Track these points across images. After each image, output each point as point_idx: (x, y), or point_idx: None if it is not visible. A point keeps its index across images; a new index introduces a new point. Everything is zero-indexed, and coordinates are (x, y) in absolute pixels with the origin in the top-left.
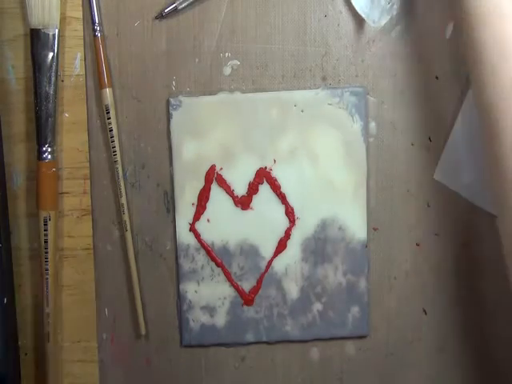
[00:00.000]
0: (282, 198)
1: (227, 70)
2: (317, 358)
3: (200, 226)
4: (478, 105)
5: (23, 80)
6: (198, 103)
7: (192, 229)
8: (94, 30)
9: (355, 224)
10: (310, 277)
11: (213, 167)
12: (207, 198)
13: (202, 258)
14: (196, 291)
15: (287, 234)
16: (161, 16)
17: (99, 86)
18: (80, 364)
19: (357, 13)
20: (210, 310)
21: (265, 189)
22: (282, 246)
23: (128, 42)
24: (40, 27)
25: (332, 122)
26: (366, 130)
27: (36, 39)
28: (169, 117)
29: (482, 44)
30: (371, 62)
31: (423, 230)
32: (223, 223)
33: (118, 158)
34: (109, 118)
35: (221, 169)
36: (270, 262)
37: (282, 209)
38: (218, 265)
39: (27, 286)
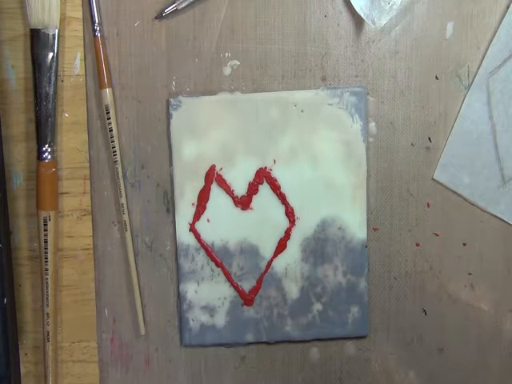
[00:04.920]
0: (282, 198)
1: (227, 70)
2: (317, 358)
3: (200, 226)
4: None
5: (23, 80)
6: (198, 103)
7: (192, 229)
8: (94, 30)
9: (355, 224)
10: (309, 277)
11: (213, 167)
12: (207, 198)
13: (201, 258)
14: (196, 291)
15: (287, 234)
16: (161, 16)
17: (99, 86)
18: (80, 364)
19: (357, 13)
20: (209, 309)
21: (265, 189)
22: (281, 246)
23: (128, 42)
24: (40, 27)
25: (332, 122)
26: (365, 130)
27: (36, 39)
28: (169, 117)
29: None
30: (371, 62)
31: (423, 230)
32: (223, 223)
33: (118, 158)
34: (109, 118)
35: (221, 169)
36: (269, 262)
37: (281, 209)
38: (217, 265)
39: (27, 286)
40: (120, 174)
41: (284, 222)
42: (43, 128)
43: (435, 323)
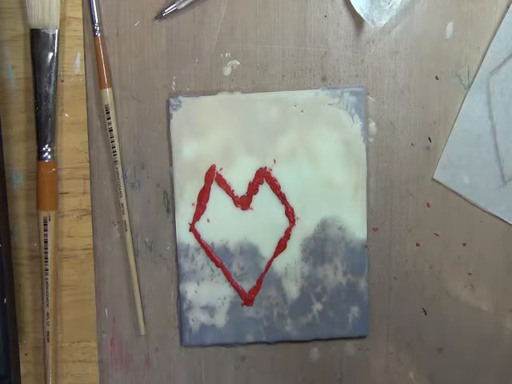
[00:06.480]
0: (282, 198)
1: (227, 70)
2: (317, 358)
3: (200, 226)
4: None
5: (23, 80)
6: (198, 103)
7: (192, 229)
8: (94, 30)
9: (355, 224)
10: (309, 277)
11: (213, 167)
12: (207, 198)
13: (201, 258)
14: (196, 291)
15: (287, 234)
16: (161, 16)
17: (99, 86)
18: (80, 364)
19: (357, 13)
20: (209, 309)
21: (265, 189)
22: (281, 246)
23: (128, 42)
24: (40, 27)
25: (332, 122)
26: (365, 130)
27: (36, 39)
28: (169, 117)
29: None
30: (371, 62)
31: (423, 230)
32: (223, 223)
33: (118, 158)
34: (109, 118)
35: (221, 169)
36: (269, 262)
37: (281, 209)
38: (217, 265)
39: (27, 286)
40: (120, 174)
41: (284, 222)
42: (43, 128)
43: (435, 323)
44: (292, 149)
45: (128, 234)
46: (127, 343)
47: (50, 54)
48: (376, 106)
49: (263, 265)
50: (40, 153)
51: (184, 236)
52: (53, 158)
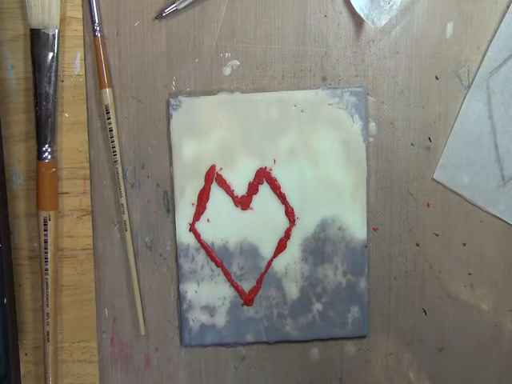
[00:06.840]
0: (282, 198)
1: (227, 70)
2: (317, 358)
3: (200, 226)
4: None
5: (23, 80)
6: (198, 103)
7: (192, 229)
8: (94, 30)
9: (355, 224)
10: (309, 277)
11: (213, 167)
12: (207, 198)
13: (201, 258)
14: (196, 291)
15: (287, 234)
16: (161, 16)
17: (99, 86)
18: (80, 364)
19: (357, 13)
20: (209, 309)
21: (265, 189)
22: (281, 246)
23: (128, 42)
24: (40, 27)
25: (332, 122)
26: (365, 130)
27: (36, 39)
28: (169, 117)
29: None
30: (371, 62)
31: (423, 230)
32: (223, 223)
33: (118, 158)
34: (109, 118)
35: (221, 169)
36: (269, 262)
37: (281, 209)
38: (217, 265)
39: (27, 286)
40: (120, 174)
41: (284, 222)
42: (43, 128)
43: (435, 323)
44: (292, 149)
45: (128, 234)
46: (127, 343)
47: (50, 54)
48: (376, 106)
49: (263, 265)
50: (40, 153)
51: (184, 236)
52: (53, 158)
